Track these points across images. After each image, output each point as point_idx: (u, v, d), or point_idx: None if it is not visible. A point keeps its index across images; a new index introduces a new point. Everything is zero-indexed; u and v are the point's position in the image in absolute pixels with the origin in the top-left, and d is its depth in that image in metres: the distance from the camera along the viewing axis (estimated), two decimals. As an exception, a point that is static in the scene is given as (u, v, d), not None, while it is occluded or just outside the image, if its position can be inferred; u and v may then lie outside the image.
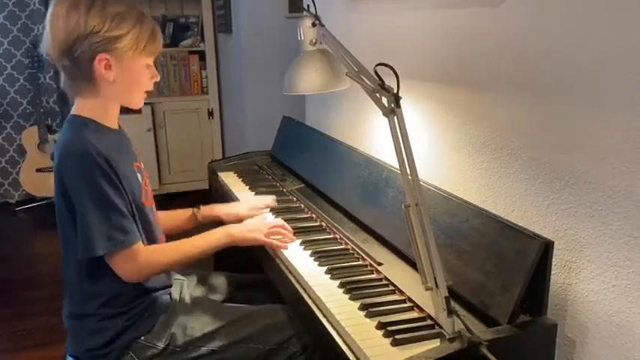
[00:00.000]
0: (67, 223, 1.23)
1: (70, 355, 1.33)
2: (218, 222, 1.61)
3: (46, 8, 4.02)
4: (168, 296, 1.39)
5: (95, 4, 1.18)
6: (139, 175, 1.34)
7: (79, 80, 1.24)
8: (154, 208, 1.43)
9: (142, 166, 1.39)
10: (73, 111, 1.27)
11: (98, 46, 1.19)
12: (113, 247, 1.20)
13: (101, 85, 1.24)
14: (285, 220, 1.58)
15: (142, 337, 1.29)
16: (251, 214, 1.60)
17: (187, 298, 1.43)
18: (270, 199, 1.71)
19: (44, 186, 3.77)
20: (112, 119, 1.31)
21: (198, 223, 1.61)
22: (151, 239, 1.35)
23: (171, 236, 1.45)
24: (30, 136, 3.75)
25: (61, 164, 1.20)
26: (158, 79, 1.32)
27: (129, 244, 1.21)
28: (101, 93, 1.25)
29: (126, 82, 1.26)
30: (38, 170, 3.75)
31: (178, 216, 1.62)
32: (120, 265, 1.23)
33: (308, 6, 1.40)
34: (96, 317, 1.27)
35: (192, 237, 1.35)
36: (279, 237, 1.43)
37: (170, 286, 1.42)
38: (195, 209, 1.62)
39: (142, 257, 1.24)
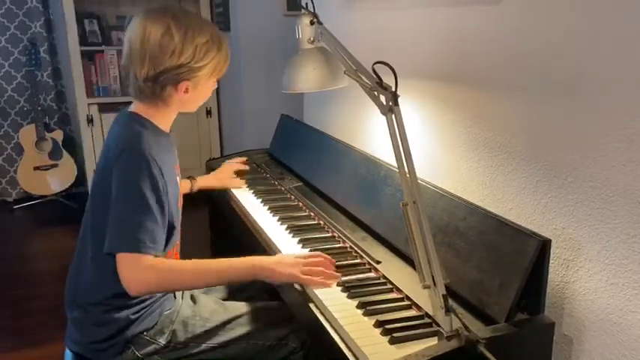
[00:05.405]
0: (102, 212, 1.21)
1: (70, 350, 1.33)
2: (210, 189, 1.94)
3: (44, 6, 3.99)
4: (172, 294, 1.40)
5: (187, 34, 1.21)
6: (178, 178, 1.38)
7: (150, 94, 1.26)
8: None
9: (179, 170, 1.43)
10: (132, 108, 1.30)
11: (183, 75, 1.24)
12: (135, 250, 1.16)
13: (172, 103, 1.29)
14: (284, 219, 1.59)
15: (145, 333, 1.29)
16: (231, 184, 1.92)
17: (189, 296, 1.44)
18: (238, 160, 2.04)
19: (42, 184, 3.76)
20: (167, 123, 1.35)
21: (192, 191, 1.85)
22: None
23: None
24: (27, 134, 3.73)
25: (115, 158, 1.20)
26: (215, 86, 1.37)
27: (150, 252, 1.18)
28: (167, 105, 1.29)
29: (196, 100, 1.33)
30: (36, 168, 3.74)
31: None
32: (126, 270, 1.17)
33: (306, 4, 1.40)
34: (103, 308, 1.26)
35: (214, 260, 1.27)
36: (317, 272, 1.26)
37: None
38: (192, 179, 1.85)
39: (154, 272, 1.18)
